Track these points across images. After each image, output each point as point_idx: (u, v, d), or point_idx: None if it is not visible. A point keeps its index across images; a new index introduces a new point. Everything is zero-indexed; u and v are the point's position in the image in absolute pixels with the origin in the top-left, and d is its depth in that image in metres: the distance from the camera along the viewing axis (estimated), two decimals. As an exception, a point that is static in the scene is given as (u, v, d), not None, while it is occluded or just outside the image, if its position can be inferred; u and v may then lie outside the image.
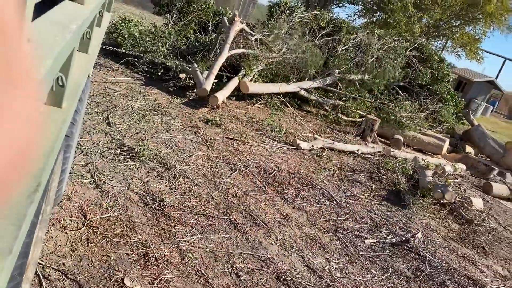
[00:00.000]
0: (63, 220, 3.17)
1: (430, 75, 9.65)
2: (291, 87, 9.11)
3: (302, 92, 9.29)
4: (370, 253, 4.46)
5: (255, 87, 8.56)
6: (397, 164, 7.33)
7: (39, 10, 1.19)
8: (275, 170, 5.65)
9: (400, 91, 9.71)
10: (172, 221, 3.69)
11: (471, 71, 25.30)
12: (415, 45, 9.73)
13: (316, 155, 6.99)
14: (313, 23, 9.52)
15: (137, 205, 3.75)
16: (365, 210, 5.50)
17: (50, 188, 1.69)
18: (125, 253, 3.09)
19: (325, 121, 8.92)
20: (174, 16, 9.18)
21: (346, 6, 24.12)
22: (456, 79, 26.10)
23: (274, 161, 5.99)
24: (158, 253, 3.20)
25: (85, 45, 2.00)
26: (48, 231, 2.99)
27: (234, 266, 3.38)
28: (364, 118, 8.86)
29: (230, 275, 3.27)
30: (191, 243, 3.47)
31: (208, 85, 7.37)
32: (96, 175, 3.95)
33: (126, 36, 8.23)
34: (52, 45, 1.02)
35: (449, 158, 10.03)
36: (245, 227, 4.03)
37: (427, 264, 4.57)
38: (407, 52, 9.51)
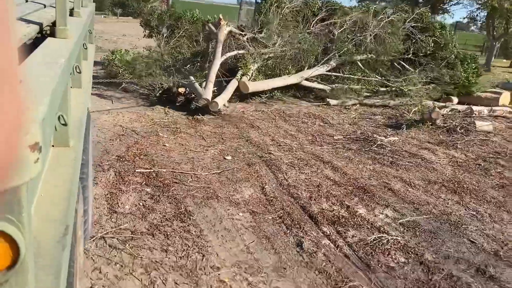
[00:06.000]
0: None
1: (433, 43, 9.95)
2: (293, 78, 9.11)
3: (304, 82, 9.37)
4: (332, 141, 6.66)
5: (255, 85, 8.49)
6: (417, 107, 8.89)
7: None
8: (292, 113, 8.20)
9: (405, 65, 10.07)
10: (203, 134, 6.76)
11: None
12: (414, 16, 10.19)
13: (344, 107, 9.14)
14: (305, 10, 10.03)
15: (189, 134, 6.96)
16: (356, 130, 7.54)
17: (77, 228, 1.65)
18: (166, 129, 6.29)
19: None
20: (165, 35, 9.60)
21: None
22: None
23: (297, 109, 8.52)
24: (184, 132, 6.30)
25: (77, 80, 2.03)
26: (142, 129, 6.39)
27: (223, 137, 6.24)
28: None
29: (218, 139, 6.14)
30: (206, 130, 6.47)
31: (208, 94, 7.38)
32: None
33: (120, 65, 8.69)
34: (45, 83, 0.97)
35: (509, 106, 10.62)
36: (243, 127, 6.83)
37: (375, 147, 6.48)
38: (406, 24, 9.97)
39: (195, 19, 10.16)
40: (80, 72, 2.02)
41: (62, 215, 0.95)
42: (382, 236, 3.79)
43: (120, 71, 8.55)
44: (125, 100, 7.96)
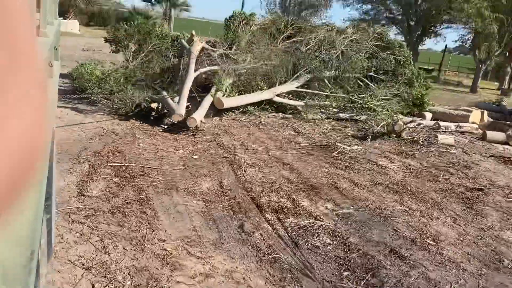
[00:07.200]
0: (123, 124, 7.17)
1: (393, 60, 10.63)
2: (266, 94, 9.38)
3: (276, 98, 9.64)
4: (298, 148, 7.24)
5: (230, 101, 8.68)
6: (385, 121, 9.49)
7: None
8: (268, 122, 8.81)
9: (368, 82, 10.56)
10: (178, 137, 7.36)
11: None
12: (375, 35, 10.85)
13: (318, 120, 9.75)
14: (271, 28, 10.41)
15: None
16: (324, 139, 8.13)
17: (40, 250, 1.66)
18: (144, 132, 6.88)
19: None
20: (133, 50, 9.39)
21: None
22: None
23: (272, 120, 9.13)
24: (160, 135, 6.89)
25: None
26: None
27: (195, 140, 6.82)
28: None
29: (190, 141, 6.72)
30: (181, 134, 7.07)
31: (181, 110, 7.45)
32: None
33: (90, 79, 8.63)
34: None
35: (480, 125, 11.24)
36: (216, 132, 7.42)
37: (336, 153, 7.05)
38: (368, 42, 10.56)
39: (163, 34, 10.19)
40: None
41: (28, 240, 0.97)
42: (316, 222, 4.34)
43: (89, 85, 8.41)
44: (96, 115, 7.67)
